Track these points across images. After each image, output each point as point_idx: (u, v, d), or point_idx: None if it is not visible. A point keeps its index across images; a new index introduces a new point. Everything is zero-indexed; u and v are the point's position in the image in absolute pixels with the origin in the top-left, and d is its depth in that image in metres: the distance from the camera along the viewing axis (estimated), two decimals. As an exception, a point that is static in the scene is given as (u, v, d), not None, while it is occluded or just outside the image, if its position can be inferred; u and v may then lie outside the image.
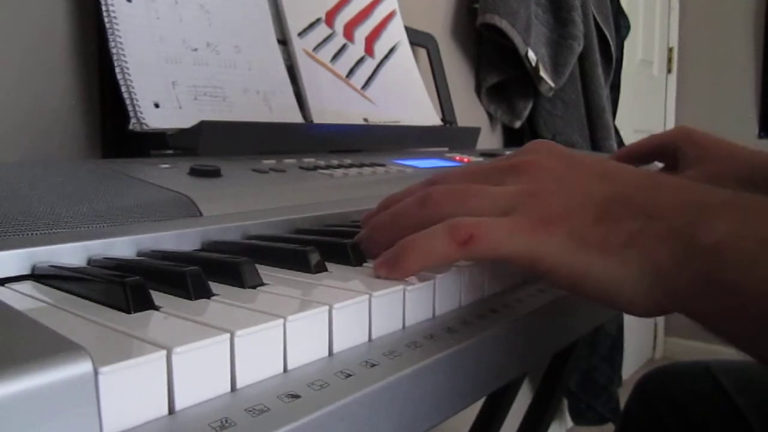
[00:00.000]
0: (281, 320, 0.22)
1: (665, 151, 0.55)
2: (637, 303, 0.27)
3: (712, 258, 0.24)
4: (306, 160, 0.60)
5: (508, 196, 0.30)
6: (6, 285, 0.28)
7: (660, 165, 0.58)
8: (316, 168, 0.57)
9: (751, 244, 0.24)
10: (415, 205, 0.32)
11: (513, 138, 1.46)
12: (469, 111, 1.34)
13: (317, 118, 0.74)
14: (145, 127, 0.57)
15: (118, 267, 0.29)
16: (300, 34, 0.77)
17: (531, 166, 0.31)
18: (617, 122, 1.68)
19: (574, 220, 0.28)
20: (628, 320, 1.77)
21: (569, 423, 1.74)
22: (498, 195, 0.30)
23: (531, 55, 1.24)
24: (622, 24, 1.75)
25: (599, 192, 0.29)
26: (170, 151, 0.59)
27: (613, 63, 1.61)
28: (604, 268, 0.27)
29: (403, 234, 0.30)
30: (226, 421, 0.19)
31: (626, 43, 1.80)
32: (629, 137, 1.92)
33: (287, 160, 0.59)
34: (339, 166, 0.59)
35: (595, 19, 1.50)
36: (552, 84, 1.32)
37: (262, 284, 0.28)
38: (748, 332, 0.24)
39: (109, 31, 0.58)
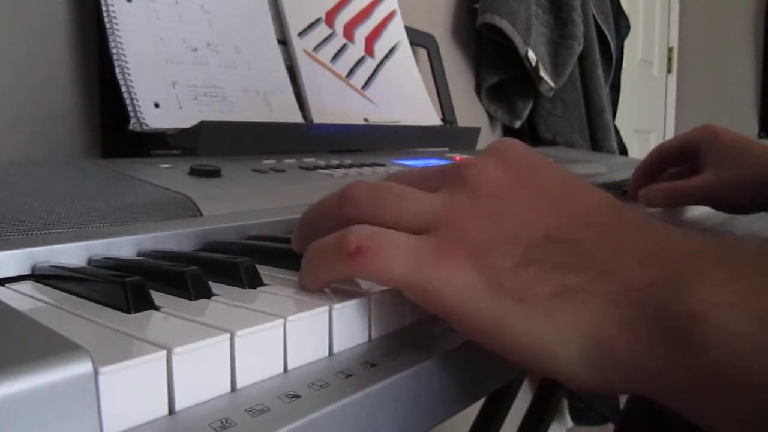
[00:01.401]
0: (281, 320, 0.22)
1: (689, 150, 0.53)
2: (575, 378, 0.21)
3: (690, 333, 0.18)
4: (306, 160, 0.60)
5: (429, 209, 0.25)
6: (6, 285, 0.28)
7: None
8: (316, 168, 0.57)
9: (745, 316, 0.18)
10: (332, 203, 0.27)
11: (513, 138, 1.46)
12: (469, 111, 1.34)
13: (317, 118, 0.74)
14: (145, 127, 0.57)
15: (119, 267, 0.29)
16: (300, 34, 0.77)
17: (473, 174, 0.25)
18: (617, 122, 1.68)
19: (494, 256, 0.22)
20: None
21: (569, 423, 1.73)
22: (420, 205, 0.25)
23: (531, 55, 1.24)
24: (622, 24, 1.75)
25: (541, 225, 0.23)
26: (170, 151, 0.59)
27: (613, 63, 1.62)
28: (522, 320, 0.21)
29: (319, 235, 0.26)
30: (226, 421, 0.19)
31: (626, 43, 1.80)
32: (629, 137, 1.92)
33: (287, 160, 0.59)
34: (339, 166, 0.59)
35: (595, 19, 1.50)
36: (552, 84, 1.32)
37: (263, 284, 0.28)
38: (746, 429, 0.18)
39: (109, 31, 0.58)
